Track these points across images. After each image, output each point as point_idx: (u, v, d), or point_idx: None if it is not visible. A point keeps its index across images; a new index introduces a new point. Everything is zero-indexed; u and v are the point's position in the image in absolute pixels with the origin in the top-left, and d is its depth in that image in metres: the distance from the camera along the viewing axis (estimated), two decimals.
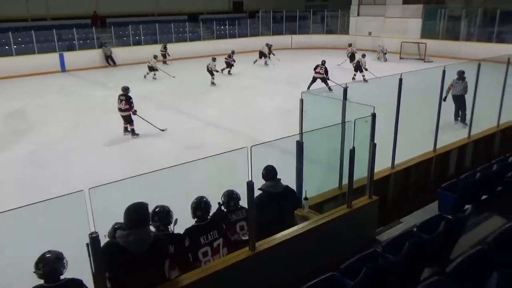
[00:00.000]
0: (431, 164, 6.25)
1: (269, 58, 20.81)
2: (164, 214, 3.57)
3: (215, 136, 10.33)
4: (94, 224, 2.48)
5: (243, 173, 3.11)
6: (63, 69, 19.82)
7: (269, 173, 4.16)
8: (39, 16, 22.09)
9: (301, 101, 4.61)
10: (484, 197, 5.06)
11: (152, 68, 17.54)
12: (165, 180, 3.48)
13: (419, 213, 4.95)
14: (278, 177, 4.19)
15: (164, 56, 21.27)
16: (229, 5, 30.19)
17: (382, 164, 5.58)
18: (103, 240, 2.82)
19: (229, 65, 18.26)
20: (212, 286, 3.22)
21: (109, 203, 2.83)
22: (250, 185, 3.16)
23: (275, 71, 19.71)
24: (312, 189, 4.75)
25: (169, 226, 3.56)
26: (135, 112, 10.17)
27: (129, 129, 10.35)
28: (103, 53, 20.88)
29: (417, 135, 7.58)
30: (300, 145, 4.51)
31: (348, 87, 5.04)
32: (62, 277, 2.84)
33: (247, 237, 3.63)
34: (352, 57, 19.56)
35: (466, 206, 4.08)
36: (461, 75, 10.01)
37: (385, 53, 21.43)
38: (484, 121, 7.55)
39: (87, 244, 2.50)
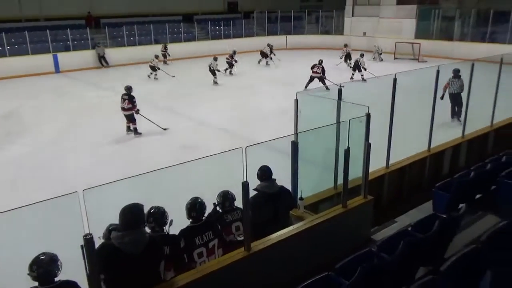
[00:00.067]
0: (425, 164, 6.28)
1: (271, 58, 20.92)
2: (159, 215, 3.57)
3: (212, 136, 10.32)
4: (88, 225, 2.47)
5: (238, 173, 3.11)
6: (57, 70, 19.71)
7: (264, 173, 4.16)
8: (33, 16, 21.97)
9: (296, 101, 4.62)
10: (478, 196, 5.09)
11: (154, 68, 17.62)
12: (160, 181, 3.47)
13: (414, 213, 4.97)
14: (273, 177, 4.20)
15: (164, 56, 21.29)
16: (223, 5, 30.18)
17: (377, 164, 5.60)
18: (98, 241, 2.81)
19: (231, 65, 18.34)
20: (207, 287, 3.22)
21: (103, 204, 2.82)
22: (245, 186, 3.16)
23: (275, 71, 19.76)
24: (307, 189, 4.75)
25: (164, 227, 3.55)
26: (138, 111, 10.25)
27: (131, 128, 10.42)
28: (96, 54, 20.80)
29: (412, 134, 7.61)
30: (295, 145, 4.52)
31: (344, 86, 5.06)
32: (56, 279, 2.82)
33: (242, 238, 3.63)
34: (347, 57, 19.65)
35: (460, 205, 4.10)
36: (456, 73, 10.11)
37: (381, 54, 21.54)
38: (478, 120, 7.59)
39: (82, 246, 2.49)
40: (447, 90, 10.19)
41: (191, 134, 10.54)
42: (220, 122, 11.36)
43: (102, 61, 20.84)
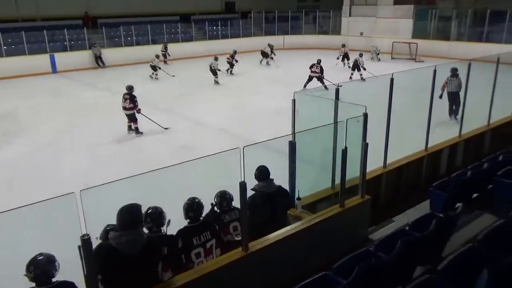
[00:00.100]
0: (422, 163, 6.30)
1: (271, 58, 20.97)
2: (156, 216, 3.57)
3: (211, 136, 10.32)
4: (85, 226, 2.46)
5: (236, 173, 3.11)
6: (54, 70, 19.65)
7: (262, 173, 4.17)
8: (29, 16, 21.92)
9: (294, 101, 4.62)
10: (475, 195, 5.11)
11: (154, 68, 17.70)
12: (158, 181, 3.47)
13: (411, 212, 4.99)
14: (271, 177, 4.20)
15: (164, 56, 21.33)
16: (221, 5, 30.17)
17: (375, 164, 5.61)
18: (95, 242, 2.81)
19: (231, 65, 18.40)
20: (205, 287, 3.22)
21: (101, 205, 2.81)
22: (242, 186, 3.16)
23: (275, 71, 19.79)
24: (305, 189, 4.76)
25: (162, 228, 3.55)
26: (139, 111, 10.30)
27: (133, 127, 10.46)
28: (92, 54, 20.76)
29: (410, 134, 7.63)
30: (292, 145, 4.52)
31: (341, 86, 5.06)
32: (54, 279, 2.81)
33: (240, 238, 3.63)
34: (344, 57, 19.68)
35: (457, 205, 4.10)
36: (454, 72, 10.21)
37: (378, 54, 21.59)
38: (475, 120, 7.62)
39: (79, 247, 2.49)
40: (446, 89, 10.28)
41: (190, 134, 10.54)
42: (219, 122, 11.36)
43: (99, 61, 20.80)
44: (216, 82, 16.44)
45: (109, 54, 21.29)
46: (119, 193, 2.87)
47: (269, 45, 21.42)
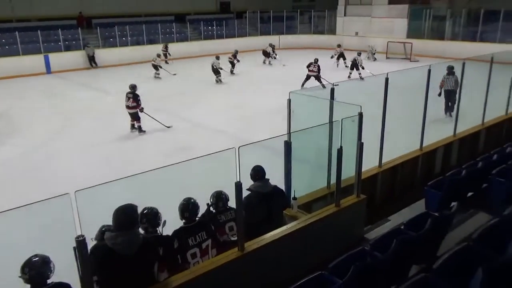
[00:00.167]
0: (417, 163, 6.32)
1: (273, 58, 21.04)
2: (152, 216, 3.56)
3: (209, 136, 10.32)
4: (80, 227, 2.45)
5: (232, 173, 3.10)
6: (48, 70, 19.55)
7: (258, 173, 4.16)
8: (24, 17, 21.79)
9: (289, 101, 4.63)
10: (469, 194, 5.14)
11: (156, 67, 17.84)
12: (153, 182, 3.46)
13: (406, 211, 5.01)
14: (266, 177, 4.20)
15: (165, 55, 21.35)
16: (216, 5, 30.12)
17: (370, 163, 5.62)
18: (90, 243, 2.79)
19: (233, 64, 18.46)
20: (201, 287, 3.21)
21: (96, 205, 2.80)
22: (238, 186, 3.16)
23: (274, 71, 19.80)
24: (301, 188, 4.77)
25: (157, 228, 3.54)
26: (142, 110, 10.41)
27: (136, 126, 10.56)
28: (86, 54, 20.66)
29: (405, 133, 7.66)
30: (288, 145, 4.52)
31: (338, 85, 5.07)
32: (49, 281, 2.80)
33: (236, 238, 3.63)
34: (340, 57, 19.74)
35: (452, 204, 4.12)
36: (450, 70, 10.40)
37: (374, 53, 21.66)
38: (469, 119, 7.66)
39: (74, 248, 2.48)
40: (443, 87, 10.47)
41: (188, 134, 10.53)
42: (218, 122, 11.38)
43: (92, 61, 20.72)
44: (220, 81, 16.59)
45: (104, 54, 21.21)
46: (114, 193, 2.86)
47: (270, 44, 21.56)
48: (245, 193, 3.75)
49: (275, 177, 4.37)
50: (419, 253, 3.45)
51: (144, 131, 10.53)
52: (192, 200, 3.67)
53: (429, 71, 6.11)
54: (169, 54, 21.75)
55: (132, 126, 10.61)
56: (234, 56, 18.48)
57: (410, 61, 21.27)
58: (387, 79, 5.47)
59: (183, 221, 3.63)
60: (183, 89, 15.80)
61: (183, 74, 18.76)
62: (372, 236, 4.36)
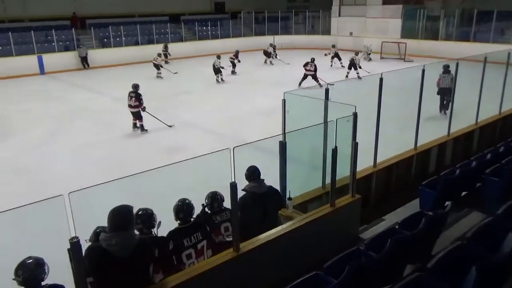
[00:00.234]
0: (412, 162, 6.35)
1: (275, 57, 21.11)
2: (147, 217, 3.54)
3: (207, 136, 10.31)
4: (74, 228, 2.44)
5: (227, 174, 3.10)
6: (42, 71, 19.45)
7: (253, 173, 4.16)
8: (17, 17, 21.64)
9: (284, 101, 4.63)
10: (463, 193, 5.16)
11: (157, 66, 17.96)
12: (148, 183, 3.45)
13: (401, 211, 5.03)
14: (261, 177, 4.20)
15: (165, 55, 21.39)
16: (210, 6, 30.10)
17: (365, 163, 5.64)
18: (85, 244, 2.78)
19: (234, 64, 18.51)
20: None
21: (90, 207, 2.79)
22: (233, 186, 3.16)
23: (273, 71, 19.84)
24: (296, 189, 4.77)
25: (152, 229, 3.53)
26: (144, 109, 10.52)
27: (138, 125, 10.65)
28: (78, 55, 20.58)
29: (399, 133, 7.69)
30: (283, 145, 4.53)
31: (333, 84, 5.09)
32: (43, 283, 2.78)
33: (231, 238, 3.62)
34: (335, 57, 19.79)
35: (446, 203, 4.15)
36: (446, 68, 10.60)
37: (369, 53, 21.75)
38: (464, 118, 7.70)
39: (68, 250, 2.47)
40: (439, 85, 10.69)
41: (183, 135, 10.49)
42: (217, 122, 11.39)
43: (84, 62, 20.64)
44: (222, 80, 16.70)
45: (98, 54, 21.12)
46: (109, 195, 2.85)
47: (271, 44, 21.67)
48: (240, 193, 3.75)
49: (270, 178, 4.38)
50: (414, 252, 3.47)
51: (146, 130, 10.61)
52: (187, 201, 3.67)
53: (423, 71, 6.14)
54: (169, 54, 21.85)
55: (134, 125, 10.71)
56: (236, 56, 18.53)
57: (404, 61, 21.38)
58: (381, 79, 5.49)
59: (178, 222, 3.63)
60: (183, 89, 15.77)
61: (181, 74, 18.75)
62: (367, 235, 4.38)
